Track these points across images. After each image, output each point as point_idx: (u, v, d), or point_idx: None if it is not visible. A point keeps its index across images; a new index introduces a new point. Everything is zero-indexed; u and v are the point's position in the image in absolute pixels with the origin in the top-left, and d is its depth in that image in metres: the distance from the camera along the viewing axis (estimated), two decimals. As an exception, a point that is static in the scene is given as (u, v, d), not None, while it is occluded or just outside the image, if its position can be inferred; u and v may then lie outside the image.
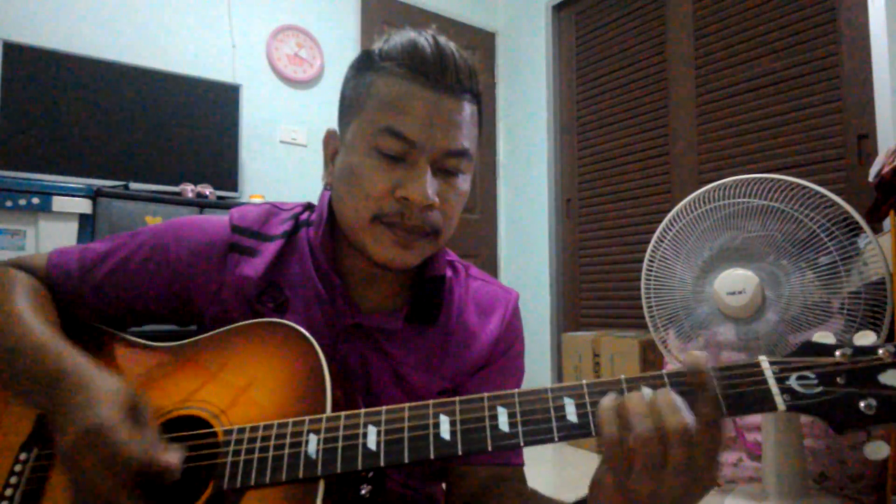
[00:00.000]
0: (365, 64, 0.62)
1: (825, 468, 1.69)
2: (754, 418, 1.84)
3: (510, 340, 0.71)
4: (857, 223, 1.32)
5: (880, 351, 0.41)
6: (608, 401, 0.42)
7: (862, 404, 0.40)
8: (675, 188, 2.66)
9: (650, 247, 1.62)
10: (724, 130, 2.48)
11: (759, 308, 1.42)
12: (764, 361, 0.43)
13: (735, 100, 2.44)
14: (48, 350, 0.54)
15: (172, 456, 0.47)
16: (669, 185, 2.69)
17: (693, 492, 0.40)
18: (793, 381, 0.42)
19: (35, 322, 0.57)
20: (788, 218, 1.38)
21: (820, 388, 0.41)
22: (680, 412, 0.39)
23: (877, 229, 1.53)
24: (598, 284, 3.00)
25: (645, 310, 1.62)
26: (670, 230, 1.58)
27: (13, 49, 2.08)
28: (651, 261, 1.61)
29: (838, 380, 0.41)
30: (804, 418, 1.68)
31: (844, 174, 2.10)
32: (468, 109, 0.61)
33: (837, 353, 0.42)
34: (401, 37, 0.60)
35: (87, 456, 0.46)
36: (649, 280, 1.61)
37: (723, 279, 1.46)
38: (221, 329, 0.61)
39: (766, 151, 2.32)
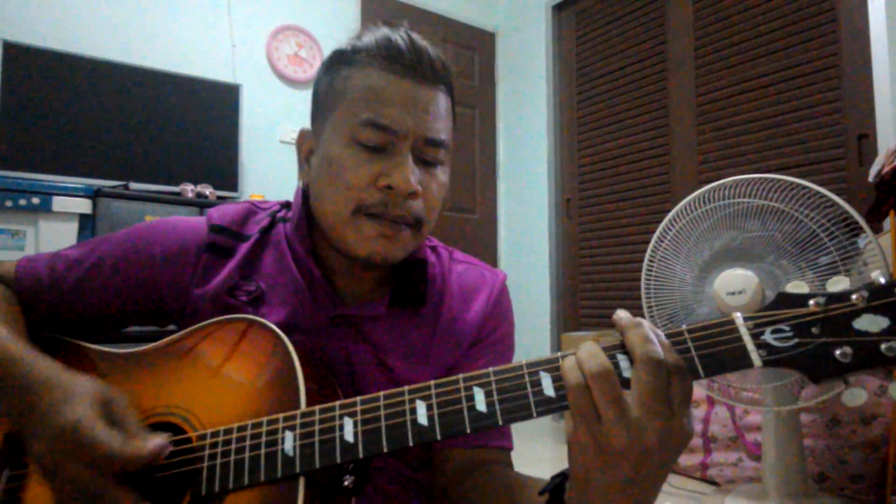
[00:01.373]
0: (338, 60, 0.62)
1: (825, 468, 1.69)
2: (754, 418, 1.84)
3: (497, 320, 0.70)
4: (857, 223, 1.32)
5: (853, 296, 0.39)
6: (572, 356, 0.43)
7: (837, 352, 0.39)
8: (675, 188, 2.66)
9: (650, 247, 1.62)
10: (724, 130, 2.48)
11: (760, 308, 1.42)
12: (738, 318, 0.42)
13: (735, 100, 2.44)
14: (16, 358, 0.52)
15: (155, 443, 0.46)
16: (669, 185, 2.69)
17: (667, 442, 0.39)
18: (768, 336, 0.41)
19: (2, 331, 0.55)
20: (788, 218, 1.38)
21: (795, 340, 0.40)
22: (650, 343, 0.40)
23: (877, 229, 1.53)
24: (598, 284, 3.00)
25: (645, 310, 1.62)
26: (670, 230, 1.58)
27: (13, 49, 2.09)
28: (651, 261, 1.61)
29: (813, 330, 0.40)
30: (805, 417, 1.68)
31: (844, 174, 2.10)
32: (443, 100, 0.61)
33: (811, 302, 0.41)
34: (374, 33, 0.61)
35: (66, 457, 0.44)
36: (649, 280, 1.61)
37: (723, 279, 1.45)
38: (188, 329, 0.59)
39: (766, 151, 2.32)
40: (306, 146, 0.65)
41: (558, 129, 3.28)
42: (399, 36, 0.59)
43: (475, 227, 3.51)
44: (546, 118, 3.30)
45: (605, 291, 2.96)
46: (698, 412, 2.00)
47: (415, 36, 0.60)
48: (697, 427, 1.99)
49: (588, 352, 0.41)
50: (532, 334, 3.21)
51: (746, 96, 2.40)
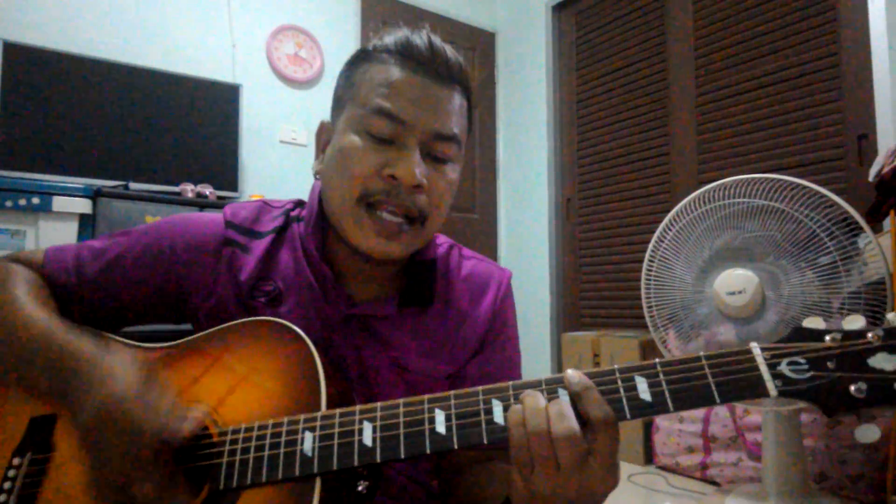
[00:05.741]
0: (358, 58, 0.64)
1: (825, 468, 1.69)
2: (754, 418, 1.84)
3: (505, 318, 0.72)
4: (857, 223, 1.32)
5: (869, 335, 0.41)
6: (519, 405, 0.45)
7: (852, 388, 0.40)
8: (675, 188, 2.66)
9: (650, 247, 1.62)
10: (724, 130, 2.48)
11: (759, 308, 1.42)
12: (755, 348, 0.43)
13: (735, 100, 2.44)
14: (55, 335, 0.55)
15: (194, 420, 0.49)
16: (669, 185, 2.69)
17: (591, 490, 0.43)
18: (784, 367, 0.42)
19: (38, 311, 0.58)
20: (788, 218, 1.38)
21: (810, 373, 0.42)
22: (565, 419, 0.42)
23: (877, 229, 1.53)
24: (598, 284, 3.00)
25: (645, 310, 1.62)
26: (670, 230, 1.58)
27: (13, 49, 2.08)
28: (651, 261, 1.61)
29: (828, 364, 0.41)
30: (805, 417, 1.68)
31: (844, 174, 2.10)
32: (457, 99, 0.63)
33: (827, 337, 0.42)
34: (396, 33, 0.62)
35: (110, 427, 0.46)
36: (649, 280, 1.61)
37: (723, 279, 1.45)
38: (214, 328, 0.61)
39: (766, 151, 2.32)
40: (324, 137, 0.67)
41: (558, 129, 3.28)
42: (418, 36, 0.61)
43: (475, 227, 3.51)
44: (546, 118, 3.29)
45: (605, 291, 2.96)
46: (699, 412, 2.00)
47: (434, 37, 0.61)
48: (697, 427, 1.99)
49: (531, 407, 0.44)
50: (532, 334, 3.21)
51: (746, 96, 2.40)
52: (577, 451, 0.42)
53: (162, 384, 0.51)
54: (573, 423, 0.42)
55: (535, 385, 0.46)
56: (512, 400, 0.46)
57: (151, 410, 0.47)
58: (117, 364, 0.51)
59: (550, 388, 0.46)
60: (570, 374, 0.45)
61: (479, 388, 0.47)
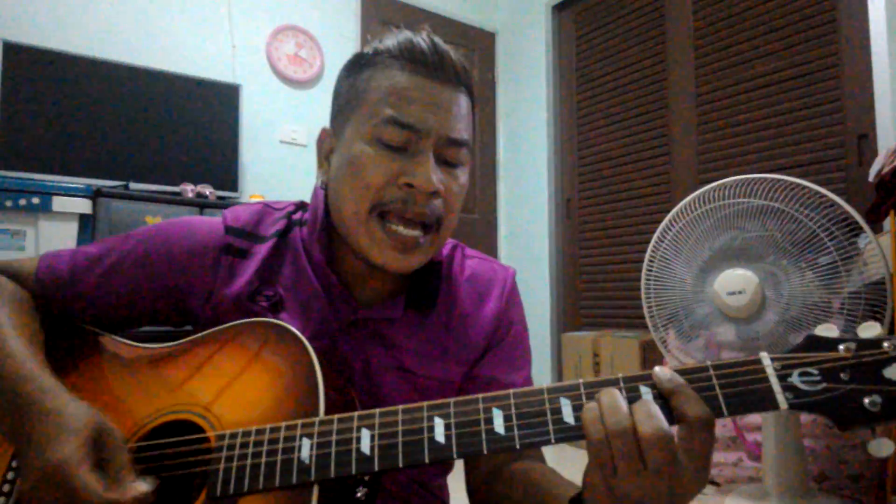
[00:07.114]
0: (360, 63, 0.63)
1: (825, 468, 1.69)
2: (754, 418, 1.84)
3: (511, 317, 0.71)
4: (857, 223, 1.32)
5: (885, 344, 0.39)
6: (593, 403, 0.42)
7: (866, 401, 0.38)
8: (675, 188, 2.66)
9: (650, 247, 1.62)
10: (724, 130, 2.48)
11: (759, 308, 1.42)
12: (765, 358, 0.41)
13: (735, 100, 2.44)
14: (17, 375, 0.51)
15: (136, 492, 0.45)
16: (669, 185, 2.69)
17: (681, 492, 0.40)
18: (795, 378, 0.40)
19: (9, 341, 0.55)
20: (788, 218, 1.38)
21: (823, 385, 0.40)
22: (655, 419, 0.40)
23: (877, 229, 1.53)
24: (598, 284, 3.00)
25: (645, 310, 1.62)
26: (670, 230, 1.57)
27: (13, 49, 2.08)
28: (651, 261, 1.61)
29: (842, 376, 0.39)
30: (805, 418, 1.68)
31: (844, 174, 2.10)
32: (465, 103, 0.62)
33: (841, 347, 0.40)
34: (397, 36, 0.61)
35: (49, 495, 0.44)
36: (649, 280, 1.61)
37: (723, 279, 1.45)
38: (213, 329, 0.60)
39: (766, 151, 2.32)
40: (327, 145, 0.65)
41: (558, 129, 3.28)
42: (422, 39, 0.60)
43: (475, 227, 3.51)
44: (546, 118, 3.29)
45: (605, 291, 2.96)
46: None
47: (437, 39, 0.61)
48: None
49: (609, 405, 0.41)
50: (532, 334, 3.18)
51: (746, 96, 2.40)
52: (667, 451, 0.39)
53: (113, 446, 0.47)
54: (663, 423, 0.40)
55: (537, 393, 0.45)
56: (513, 408, 0.44)
57: (88, 483, 0.44)
58: (65, 421, 0.47)
59: (589, 391, 0.44)
60: (659, 371, 0.43)
61: (479, 395, 0.46)
